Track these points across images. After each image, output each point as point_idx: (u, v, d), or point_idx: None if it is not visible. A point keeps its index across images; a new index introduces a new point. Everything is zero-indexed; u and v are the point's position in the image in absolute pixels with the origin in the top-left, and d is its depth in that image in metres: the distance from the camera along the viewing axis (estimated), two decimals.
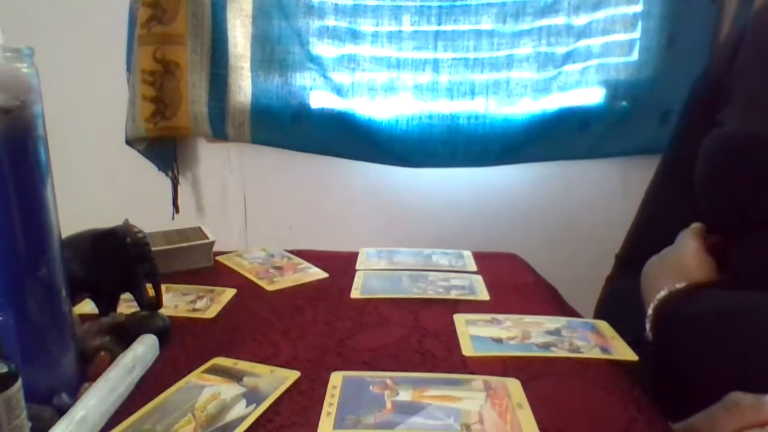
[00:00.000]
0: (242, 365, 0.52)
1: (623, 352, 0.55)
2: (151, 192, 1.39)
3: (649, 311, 0.57)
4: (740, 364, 0.48)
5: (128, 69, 1.30)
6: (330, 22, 1.25)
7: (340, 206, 1.40)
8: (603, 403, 0.47)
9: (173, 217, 1.40)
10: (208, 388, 0.48)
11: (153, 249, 0.60)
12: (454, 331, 0.59)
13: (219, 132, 1.30)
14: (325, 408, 0.45)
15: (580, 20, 1.23)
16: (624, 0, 1.22)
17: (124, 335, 0.54)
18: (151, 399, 0.47)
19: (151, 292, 0.60)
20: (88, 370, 0.49)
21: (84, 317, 0.59)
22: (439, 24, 1.24)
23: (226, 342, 0.58)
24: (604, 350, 0.55)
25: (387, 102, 1.28)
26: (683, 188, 0.64)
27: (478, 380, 0.49)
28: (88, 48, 1.32)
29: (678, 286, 0.55)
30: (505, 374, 0.50)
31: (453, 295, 0.70)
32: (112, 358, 0.50)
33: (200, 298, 0.69)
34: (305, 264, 0.82)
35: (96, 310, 0.59)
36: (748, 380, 0.44)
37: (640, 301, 0.61)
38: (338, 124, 1.29)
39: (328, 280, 0.76)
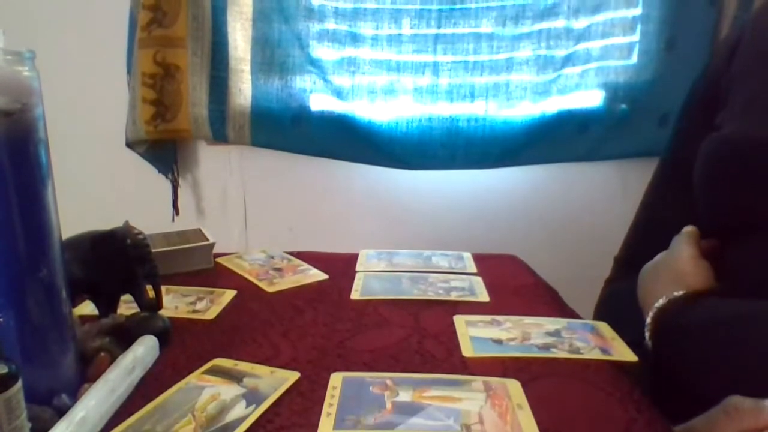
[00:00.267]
0: (242, 366, 0.52)
1: (623, 353, 0.55)
2: (152, 194, 1.39)
3: (648, 320, 0.56)
4: (740, 372, 0.48)
5: (129, 72, 1.31)
6: (330, 25, 1.26)
7: (340, 208, 1.41)
8: (603, 404, 0.47)
9: (173, 219, 1.40)
10: (208, 389, 0.48)
11: (153, 250, 0.60)
12: (454, 332, 0.60)
13: (219, 134, 1.30)
14: (325, 409, 0.45)
15: (580, 23, 1.23)
16: (623, 3, 1.23)
17: (124, 336, 0.54)
18: (151, 400, 0.47)
19: (151, 293, 0.60)
20: (88, 371, 0.49)
21: (84, 318, 0.59)
22: (439, 27, 1.25)
23: (226, 343, 0.58)
24: (604, 351, 0.55)
25: (387, 105, 1.29)
26: (682, 190, 0.64)
27: (478, 381, 0.49)
28: (88, 51, 1.33)
29: (676, 294, 0.55)
30: (505, 375, 0.51)
31: (453, 296, 0.70)
32: (112, 359, 0.50)
33: (200, 299, 0.69)
34: (305, 265, 0.82)
35: (96, 312, 0.59)
36: (748, 388, 0.44)
37: (638, 305, 0.61)
38: (338, 126, 1.29)
39: (328, 281, 0.76)
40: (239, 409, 0.45)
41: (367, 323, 0.63)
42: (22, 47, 0.41)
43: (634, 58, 1.25)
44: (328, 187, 1.39)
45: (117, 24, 1.29)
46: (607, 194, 1.34)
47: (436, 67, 1.27)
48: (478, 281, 0.75)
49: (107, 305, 0.59)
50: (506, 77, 1.27)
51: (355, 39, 1.26)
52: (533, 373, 0.51)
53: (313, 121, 1.30)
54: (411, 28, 1.25)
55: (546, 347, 0.56)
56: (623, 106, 1.27)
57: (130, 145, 1.33)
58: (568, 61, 1.25)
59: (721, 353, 0.51)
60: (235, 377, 0.50)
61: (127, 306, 0.61)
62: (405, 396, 0.47)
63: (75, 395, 0.45)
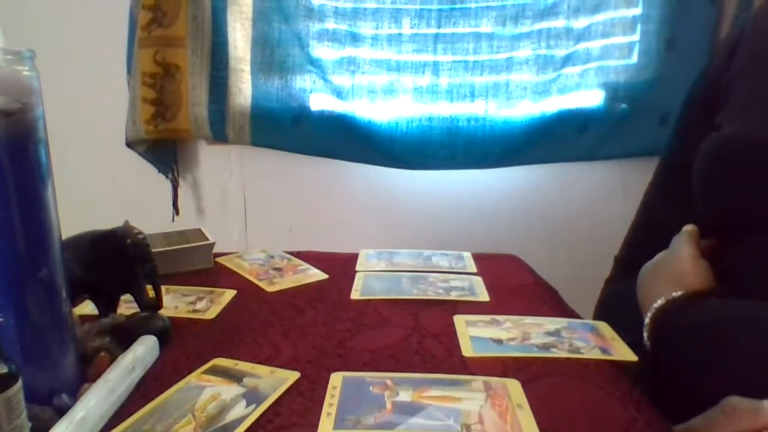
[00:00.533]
0: (242, 366, 0.52)
1: (623, 352, 0.55)
2: (152, 194, 1.39)
3: (646, 320, 0.56)
4: (738, 373, 0.48)
5: (128, 71, 1.31)
6: (330, 24, 1.26)
7: (340, 208, 1.41)
8: (603, 403, 0.47)
9: (173, 219, 1.40)
10: (208, 389, 0.48)
11: (153, 250, 0.60)
12: (454, 332, 0.60)
13: (219, 134, 1.30)
14: (325, 408, 0.45)
15: (580, 23, 1.23)
16: (623, 3, 1.22)
17: (124, 336, 0.54)
18: (151, 400, 0.47)
19: (151, 293, 0.60)
20: (88, 370, 0.49)
21: (84, 318, 0.59)
22: (439, 27, 1.25)
23: (226, 343, 0.58)
24: (604, 351, 0.55)
25: (387, 104, 1.29)
26: (682, 190, 0.64)
27: (478, 381, 0.49)
28: (88, 50, 1.33)
29: (675, 294, 0.55)
30: (505, 375, 0.51)
31: (453, 296, 0.70)
32: (112, 358, 0.50)
33: (200, 299, 0.69)
34: (305, 265, 0.82)
35: (96, 311, 0.59)
36: (746, 388, 0.44)
37: (638, 305, 0.61)
38: (338, 126, 1.29)
39: (328, 281, 0.76)
40: (239, 409, 0.45)
41: (367, 323, 0.63)
42: (22, 47, 0.41)
43: (634, 58, 1.25)
44: (328, 186, 1.39)
45: (117, 24, 1.29)
46: (607, 194, 1.34)
47: (436, 67, 1.27)
48: (478, 281, 0.75)
49: (107, 305, 0.59)
50: (506, 77, 1.26)
51: (355, 39, 1.26)
52: (533, 373, 0.51)
53: (313, 120, 1.30)
54: (411, 27, 1.25)
55: (546, 347, 0.56)
56: (623, 105, 1.27)
57: (130, 144, 1.33)
58: (568, 60, 1.25)
59: (719, 354, 0.51)
60: (235, 377, 0.50)
61: (127, 306, 0.61)
62: (405, 396, 0.47)
63: (75, 395, 0.45)
